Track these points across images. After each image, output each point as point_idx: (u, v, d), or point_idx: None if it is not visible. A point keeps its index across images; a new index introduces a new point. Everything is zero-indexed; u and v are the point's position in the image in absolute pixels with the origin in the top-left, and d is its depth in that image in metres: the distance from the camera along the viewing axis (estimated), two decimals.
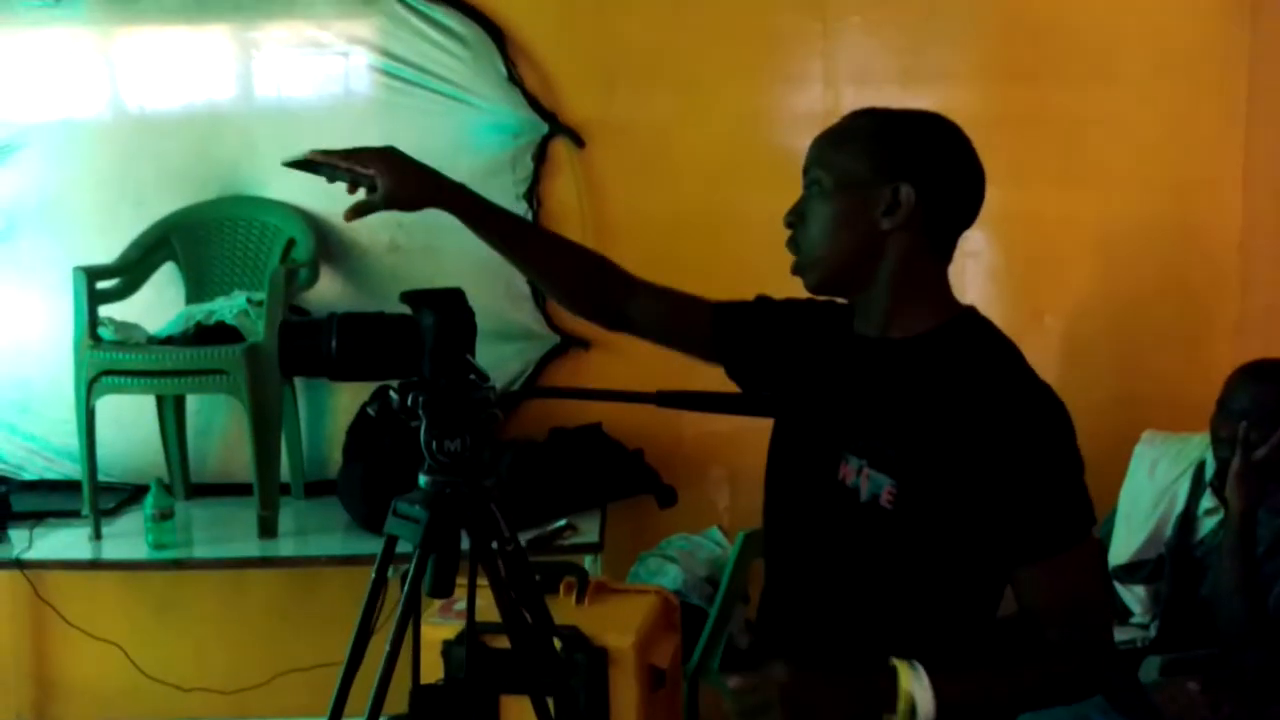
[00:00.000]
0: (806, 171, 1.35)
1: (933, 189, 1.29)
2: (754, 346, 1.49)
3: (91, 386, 2.70)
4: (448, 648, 2.05)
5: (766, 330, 1.49)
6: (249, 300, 2.85)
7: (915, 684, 1.17)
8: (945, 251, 1.33)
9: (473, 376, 1.47)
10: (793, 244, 1.35)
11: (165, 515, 2.67)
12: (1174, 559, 2.36)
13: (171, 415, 3.00)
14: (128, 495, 2.98)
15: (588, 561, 2.58)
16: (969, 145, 1.33)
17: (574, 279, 1.59)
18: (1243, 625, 2.14)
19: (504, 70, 2.93)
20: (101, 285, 2.82)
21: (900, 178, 1.28)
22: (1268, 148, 2.86)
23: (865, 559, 1.30)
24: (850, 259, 1.31)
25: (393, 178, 1.46)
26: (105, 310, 2.82)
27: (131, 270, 2.93)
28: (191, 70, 3.01)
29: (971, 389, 1.25)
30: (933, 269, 1.32)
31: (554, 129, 2.96)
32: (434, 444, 1.46)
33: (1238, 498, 2.18)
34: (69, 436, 2.89)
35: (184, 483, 3.03)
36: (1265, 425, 2.18)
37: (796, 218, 1.34)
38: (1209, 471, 2.35)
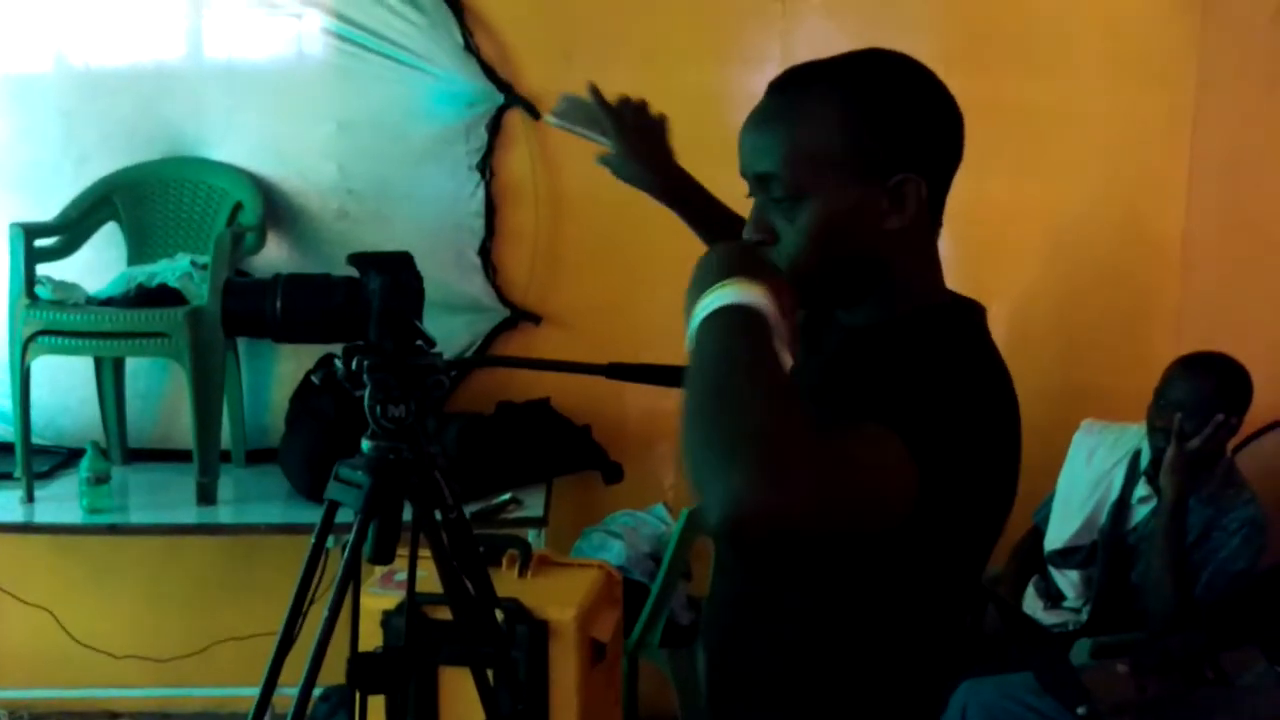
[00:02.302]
0: (761, 178, 1.06)
1: (936, 162, 1.06)
2: None
3: (27, 346, 2.64)
4: (387, 618, 2.04)
5: None
6: (193, 263, 2.80)
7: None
8: (940, 215, 1.10)
9: (419, 342, 1.45)
10: None
11: (101, 479, 2.61)
12: (1107, 545, 2.41)
13: (110, 378, 2.94)
14: (62, 459, 2.92)
15: (532, 535, 2.57)
16: (936, 80, 1.08)
17: None
18: (1171, 610, 2.20)
19: (460, 38, 2.89)
20: (40, 243, 2.75)
21: (900, 168, 1.03)
22: (1214, 142, 2.92)
23: (740, 572, 1.13)
24: (849, 273, 1.07)
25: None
26: (43, 269, 2.75)
27: (72, 229, 2.86)
28: (139, 27, 2.94)
29: (884, 369, 1.02)
30: (931, 250, 1.10)
31: (509, 99, 2.93)
32: (378, 409, 1.45)
33: (1170, 487, 2.23)
34: (2, 397, 2.82)
35: (121, 447, 2.97)
36: (1199, 417, 2.23)
37: (763, 232, 1.07)
38: (1144, 460, 2.41)
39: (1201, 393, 2.26)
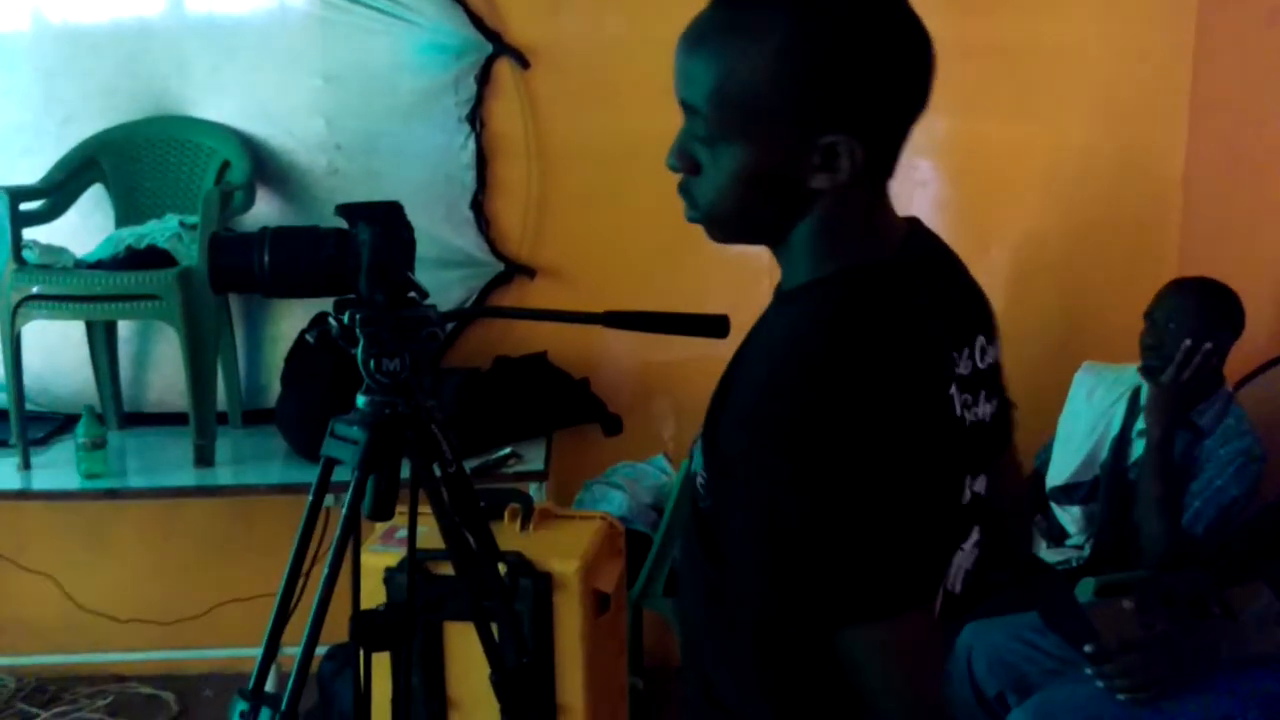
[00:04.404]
0: (685, 104, 0.97)
1: (879, 126, 0.94)
2: None
3: (16, 311, 2.60)
4: (390, 575, 2.03)
5: None
6: (182, 223, 2.76)
7: None
8: (887, 173, 1.00)
9: (412, 294, 1.43)
10: (684, 192, 1.02)
11: (97, 444, 2.60)
12: (1108, 480, 2.40)
13: (102, 342, 2.91)
14: (58, 425, 2.90)
15: (533, 489, 2.57)
16: (908, 17, 0.95)
17: None
18: (1162, 544, 2.20)
19: None
20: (26, 207, 2.70)
21: (835, 126, 0.92)
22: (1214, 78, 2.87)
23: (693, 547, 1.06)
24: (764, 220, 1.00)
25: None
26: (30, 233, 2.71)
27: (57, 192, 2.81)
28: None
29: (745, 377, 0.96)
30: (872, 201, 1.00)
31: (498, 49, 2.87)
32: (372, 363, 1.43)
33: (1154, 423, 2.23)
34: None
35: (117, 412, 2.95)
36: (1179, 339, 2.22)
37: (687, 164, 0.99)
38: (1144, 395, 2.39)
39: (1183, 311, 2.25)
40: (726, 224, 1.01)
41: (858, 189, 0.97)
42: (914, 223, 1.07)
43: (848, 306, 0.95)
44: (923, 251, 1.05)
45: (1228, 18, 2.83)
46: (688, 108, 0.97)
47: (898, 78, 0.94)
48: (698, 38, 0.96)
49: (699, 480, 1.04)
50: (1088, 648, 1.95)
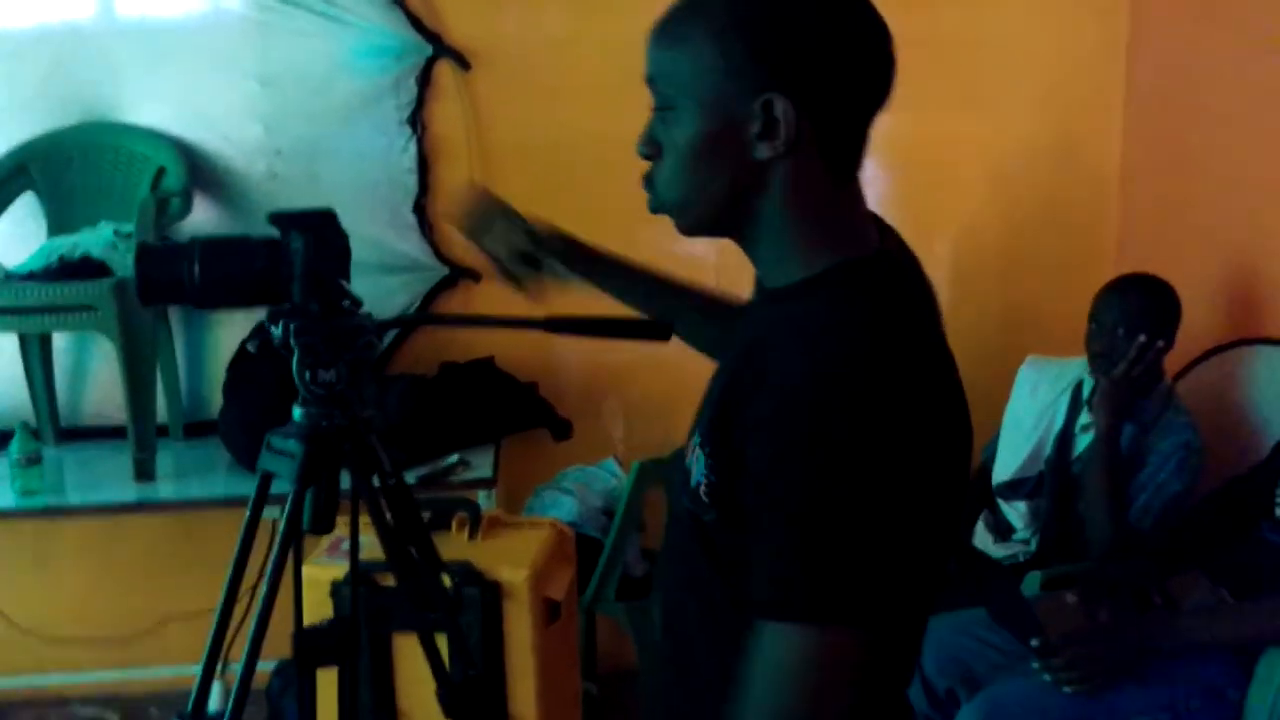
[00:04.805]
0: (648, 81, 1.01)
1: (820, 92, 0.95)
2: None
3: None
4: (336, 588, 1.99)
5: None
6: (116, 232, 2.70)
7: None
8: (850, 162, 1.00)
9: (346, 303, 1.40)
10: (647, 182, 1.04)
11: (32, 460, 2.53)
12: (1053, 475, 2.42)
13: (36, 355, 2.84)
14: None
15: (482, 497, 2.54)
16: (864, 5, 0.98)
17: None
18: (1108, 538, 2.22)
19: None
20: None
21: (769, 86, 0.94)
22: (1149, 70, 2.91)
23: (690, 556, 1.05)
24: (720, 199, 1.00)
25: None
26: None
27: None
28: None
29: (779, 369, 0.93)
30: (831, 193, 0.99)
31: (438, 51, 2.84)
32: (307, 374, 1.39)
33: (1101, 417, 2.25)
34: None
35: (53, 427, 2.88)
36: (1130, 338, 2.25)
37: (652, 148, 1.02)
38: (1086, 389, 2.42)
39: (1128, 312, 2.28)
40: (685, 206, 1.02)
41: (815, 174, 0.98)
42: (876, 217, 1.07)
43: (873, 299, 0.97)
44: (895, 244, 1.06)
45: (1161, 10, 2.87)
46: (649, 84, 1.01)
47: (844, 48, 0.96)
48: (662, 17, 1.00)
49: (703, 489, 0.99)
50: (1034, 641, 1.96)
